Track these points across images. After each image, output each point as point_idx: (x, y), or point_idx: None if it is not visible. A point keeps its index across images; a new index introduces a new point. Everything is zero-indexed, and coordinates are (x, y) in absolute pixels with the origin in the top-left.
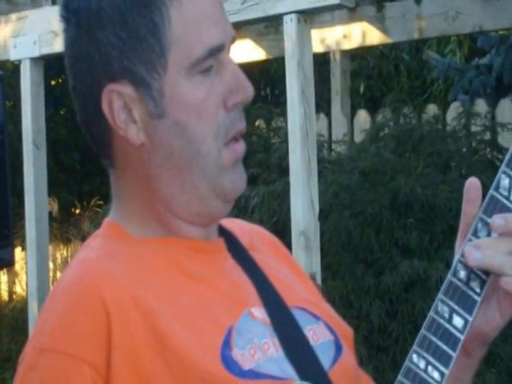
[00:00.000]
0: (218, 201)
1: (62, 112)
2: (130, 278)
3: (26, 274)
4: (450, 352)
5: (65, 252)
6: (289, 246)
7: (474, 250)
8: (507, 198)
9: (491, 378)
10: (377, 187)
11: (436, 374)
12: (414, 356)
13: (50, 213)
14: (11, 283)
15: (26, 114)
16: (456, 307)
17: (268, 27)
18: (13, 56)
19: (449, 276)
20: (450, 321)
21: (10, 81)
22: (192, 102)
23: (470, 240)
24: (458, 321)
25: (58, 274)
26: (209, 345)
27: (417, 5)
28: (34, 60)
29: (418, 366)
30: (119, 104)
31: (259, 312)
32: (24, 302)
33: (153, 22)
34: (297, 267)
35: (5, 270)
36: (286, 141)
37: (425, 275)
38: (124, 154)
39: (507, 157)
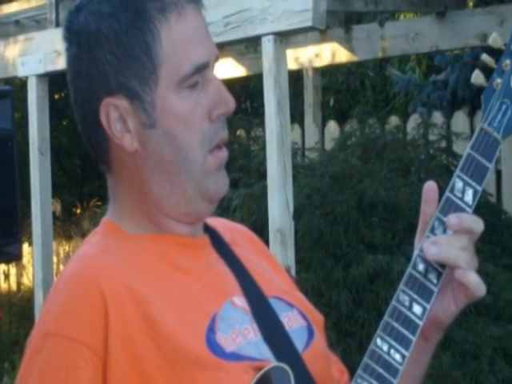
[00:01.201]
0: (203, 202)
1: (64, 123)
2: (125, 270)
3: (33, 266)
4: (410, 336)
5: (67, 247)
6: (266, 242)
7: (431, 245)
8: (461, 199)
9: (446, 360)
10: (345, 190)
11: (398, 356)
12: (378, 340)
13: (54, 212)
14: (19, 275)
15: (32, 125)
16: (415, 296)
17: (248, 47)
18: (20, 73)
19: (409, 269)
20: (410, 308)
21: (18, 95)
22: (180, 113)
23: (428, 237)
24: (417, 309)
25: (61, 267)
26: (195, 330)
27: (380, 27)
28: (39, 76)
29: (381, 349)
30: (115, 115)
31: (240, 301)
32: (31, 292)
33: (145, 42)
34: (274, 261)
35: (13, 263)
36: (263, 148)
37: (388, 268)
38: (120, 160)
39: (461, 163)
